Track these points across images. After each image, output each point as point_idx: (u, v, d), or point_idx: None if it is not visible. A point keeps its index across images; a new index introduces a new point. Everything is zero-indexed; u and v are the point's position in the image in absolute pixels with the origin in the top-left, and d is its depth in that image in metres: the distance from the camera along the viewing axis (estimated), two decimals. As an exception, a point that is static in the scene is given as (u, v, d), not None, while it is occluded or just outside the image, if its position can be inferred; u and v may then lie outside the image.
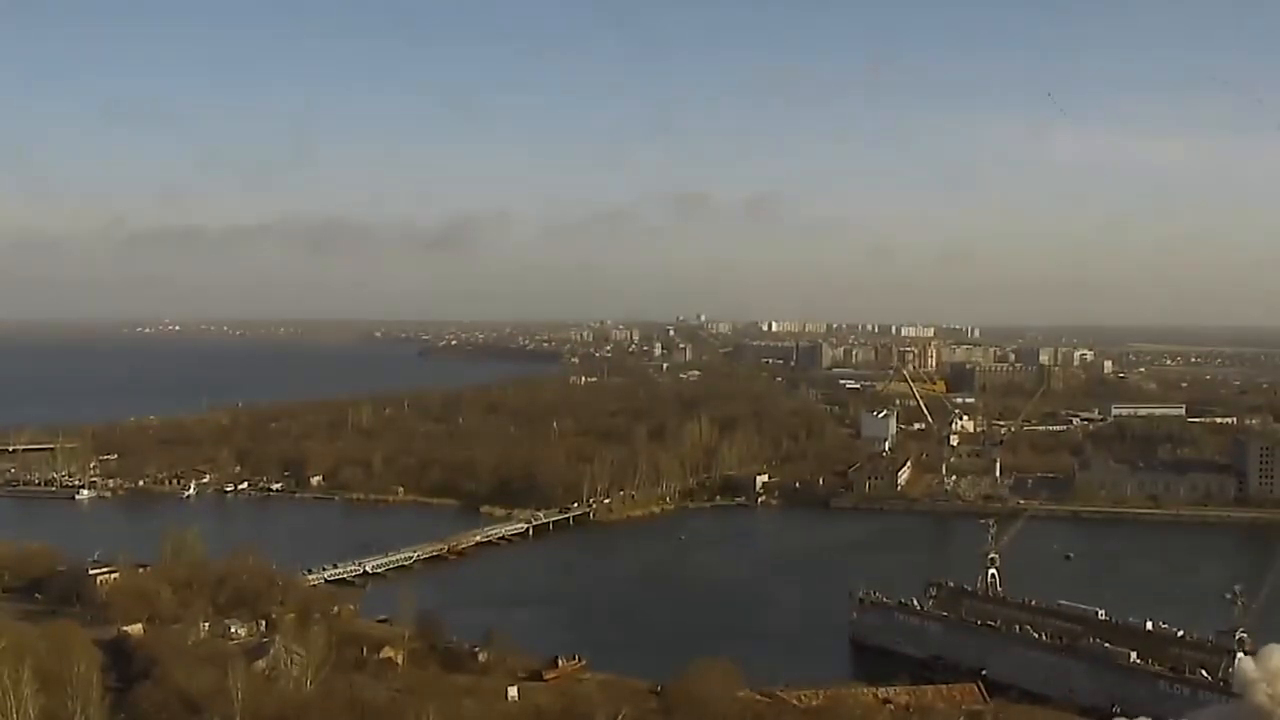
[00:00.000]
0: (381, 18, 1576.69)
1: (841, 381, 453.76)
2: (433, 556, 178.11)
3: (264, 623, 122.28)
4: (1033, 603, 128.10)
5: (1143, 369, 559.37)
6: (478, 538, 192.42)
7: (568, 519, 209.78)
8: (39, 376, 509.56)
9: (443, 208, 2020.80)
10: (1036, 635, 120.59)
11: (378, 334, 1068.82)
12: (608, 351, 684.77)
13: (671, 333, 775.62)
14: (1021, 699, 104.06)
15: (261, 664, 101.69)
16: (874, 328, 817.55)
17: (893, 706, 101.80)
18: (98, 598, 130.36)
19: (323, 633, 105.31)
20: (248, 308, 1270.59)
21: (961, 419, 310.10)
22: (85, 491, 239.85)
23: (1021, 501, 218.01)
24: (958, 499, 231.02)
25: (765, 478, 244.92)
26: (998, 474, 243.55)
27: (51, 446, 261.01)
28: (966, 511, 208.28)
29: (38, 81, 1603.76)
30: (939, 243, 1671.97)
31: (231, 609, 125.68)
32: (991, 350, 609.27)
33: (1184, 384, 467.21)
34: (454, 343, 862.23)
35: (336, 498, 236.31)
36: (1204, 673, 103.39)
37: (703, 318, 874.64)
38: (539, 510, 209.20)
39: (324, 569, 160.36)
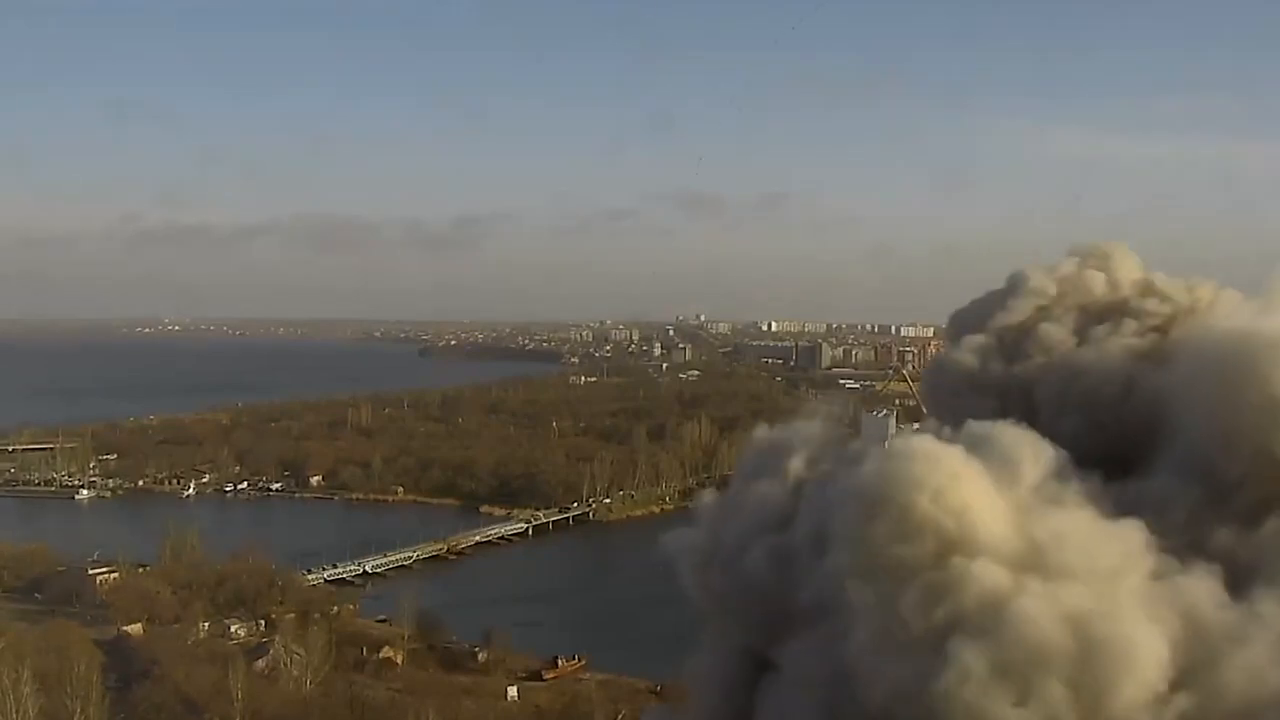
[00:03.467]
0: (383, 19, 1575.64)
1: (841, 381, 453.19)
2: (432, 556, 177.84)
3: (264, 623, 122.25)
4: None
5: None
6: (477, 537, 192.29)
7: (568, 519, 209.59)
8: (39, 376, 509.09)
9: (446, 208, 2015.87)
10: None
11: (377, 333, 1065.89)
12: (607, 351, 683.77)
13: (671, 332, 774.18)
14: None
15: (261, 664, 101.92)
16: (874, 327, 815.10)
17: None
18: (97, 598, 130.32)
19: (322, 633, 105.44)
20: (247, 308, 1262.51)
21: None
22: (85, 491, 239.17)
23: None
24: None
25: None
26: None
27: (51, 446, 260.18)
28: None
29: (40, 80, 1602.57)
30: (939, 242, 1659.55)
31: (231, 609, 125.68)
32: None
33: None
34: (454, 343, 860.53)
35: (336, 498, 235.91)
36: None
37: (702, 317, 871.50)
38: (539, 510, 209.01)
39: (324, 569, 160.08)
